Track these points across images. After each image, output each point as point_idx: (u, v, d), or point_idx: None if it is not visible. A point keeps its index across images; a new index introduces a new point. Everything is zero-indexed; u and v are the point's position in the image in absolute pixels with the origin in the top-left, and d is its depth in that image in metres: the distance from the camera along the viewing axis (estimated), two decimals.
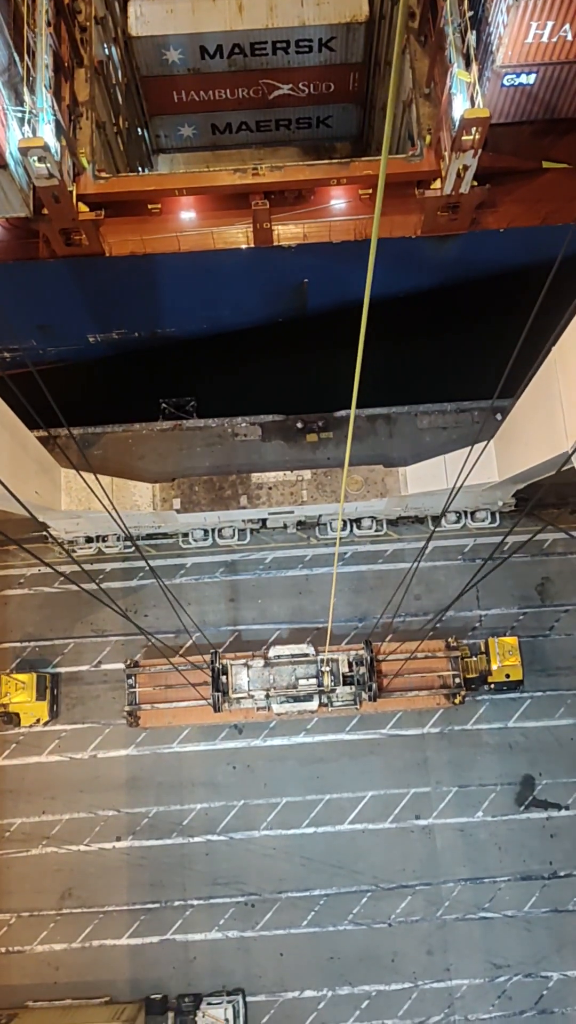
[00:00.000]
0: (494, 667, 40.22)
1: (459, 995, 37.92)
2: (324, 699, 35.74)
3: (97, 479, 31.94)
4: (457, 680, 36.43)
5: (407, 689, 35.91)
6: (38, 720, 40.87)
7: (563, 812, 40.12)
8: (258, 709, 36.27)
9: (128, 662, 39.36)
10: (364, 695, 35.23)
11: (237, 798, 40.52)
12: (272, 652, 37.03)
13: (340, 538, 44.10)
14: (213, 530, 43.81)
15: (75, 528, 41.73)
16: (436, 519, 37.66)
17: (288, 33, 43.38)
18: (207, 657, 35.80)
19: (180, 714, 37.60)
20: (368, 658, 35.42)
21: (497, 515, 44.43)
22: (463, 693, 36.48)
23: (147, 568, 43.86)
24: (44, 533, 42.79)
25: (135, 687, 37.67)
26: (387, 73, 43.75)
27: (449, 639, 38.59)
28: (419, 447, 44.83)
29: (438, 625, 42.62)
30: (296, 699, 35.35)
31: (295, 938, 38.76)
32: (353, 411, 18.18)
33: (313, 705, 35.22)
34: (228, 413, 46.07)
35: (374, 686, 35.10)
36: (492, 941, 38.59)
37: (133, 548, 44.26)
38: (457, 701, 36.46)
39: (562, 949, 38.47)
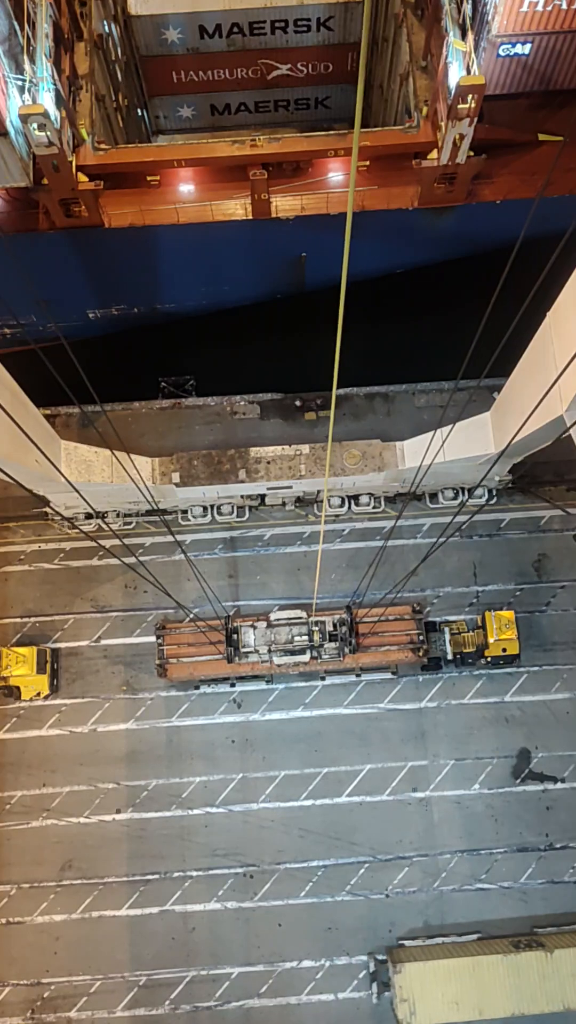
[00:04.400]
0: (491, 641, 40.55)
1: None
2: (314, 653, 40.29)
3: (100, 449, 32.55)
4: (421, 637, 40.46)
5: (381, 645, 40.52)
6: (38, 693, 41.16)
7: (559, 785, 40.37)
8: (262, 662, 40.11)
9: (158, 624, 41.48)
10: (346, 649, 40.13)
11: (236, 771, 40.79)
12: (273, 616, 40.67)
13: (338, 515, 44.67)
14: (212, 507, 44.05)
15: (75, 503, 41.90)
16: (418, 497, 40.07)
17: (286, 12, 43.52)
18: (221, 621, 40.17)
19: (199, 666, 40.34)
20: (348, 619, 40.31)
21: (494, 492, 44.69)
22: (426, 647, 40.29)
23: (146, 545, 44.55)
24: (45, 510, 43.23)
25: (163, 644, 40.55)
26: (384, 49, 43.92)
27: (415, 604, 41.58)
28: (417, 425, 45.08)
29: (435, 601, 43.14)
30: (292, 653, 39.90)
31: (293, 909, 38.99)
32: (336, 375, 18.41)
33: (305, 658, 40.05)
34: (227, 392, 46.34)
35: (353, 642, 40.05)
36: (489, 912, 38.76)
37: (132, 525, 44.56)
38: (420, 654, 40.17)
39: (558, 920, 38.63)
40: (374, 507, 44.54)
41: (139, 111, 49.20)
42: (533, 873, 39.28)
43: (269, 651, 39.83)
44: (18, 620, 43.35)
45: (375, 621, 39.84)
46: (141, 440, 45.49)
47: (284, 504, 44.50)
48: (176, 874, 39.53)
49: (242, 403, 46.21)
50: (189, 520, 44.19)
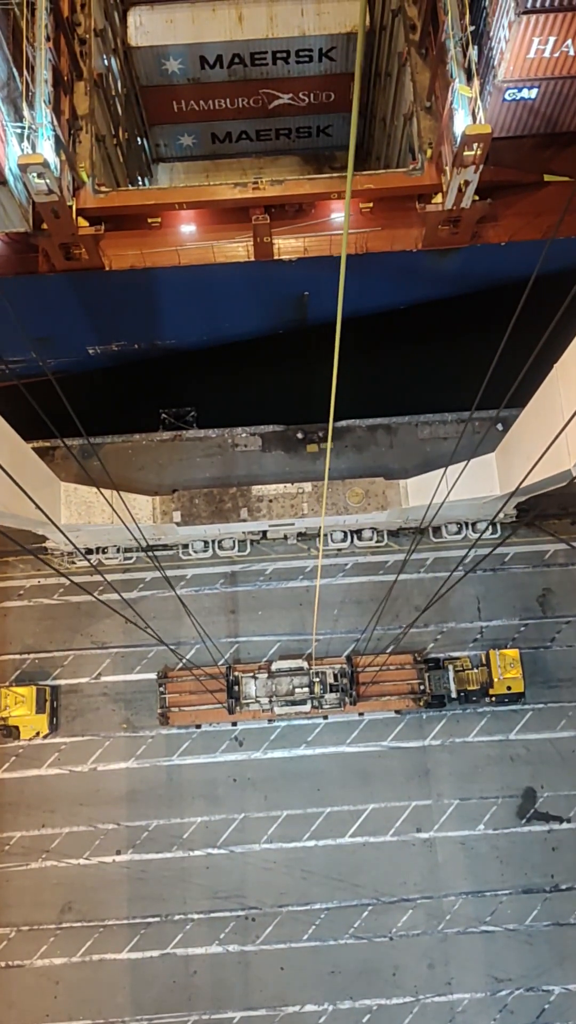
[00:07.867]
0: (495, 680, 40.23)
1: (460, 1009, 37.82)
2: (315, 703, 40.70)
3: (99, 491, 32.47)
4: (421, 686, 40.88)
5: (381, 694, 41.04)
6: (37, 733, 40.78)
7: (564, 825, 40.02)
8: (263, 711, 40.65)
9: (159, 672, 41.85)
10: (347, 700, 40.68)
11: (237, 811, 40.42)
12: (274, 666, 41.04)
13: (340, 550, 44.34)
14: (213, 541, 43.69)
15: (74, 540, 41.54)
16: (422, 531, 40.46)
17: (288, 43, 43.30)
18: (221, 668, 40.74)
19: (201, 715, 40.94)
20: (349, 670, 40.91)
21: (498, 526, 44.32)
22: (427, 695, 40.65)
23: (146, 580, 44.18)
24: (43, 545, 42.87)
25: (165, 693, 41.01)
26: (387, 84, 43.60)
27: (415, 653, 41.95)
28: (420, 457, 44.80)
29: (438, 636, 42.83)
30: (293, 703, 40.49)
31: (296, 952, 38.65)
32: (331, 421, 18.29)
33: (306, 708, 40.58)
34: (228, 424, 45.97)
35: (354, 693, 40.62)
36: (493, 955, 38.47)
37: (132, 560, 44.18)
38: (421, 704, 40.75)
39: (564, 963, 38.35)
40: (376, 541, 44.17)
41: (139, 139, 48.86)
42: (538, 915, 38.94)
43: (270, 701, 40.10)
44: (17, 656, 42.96)
45: (376, 671, 39.69)
46: (141, 472, 45.14)
47: (286, 538, 44.17)
48: (177, 917, 39.17)
49: (243, 435, 45.85)
50: (190, 555, 43.83)
